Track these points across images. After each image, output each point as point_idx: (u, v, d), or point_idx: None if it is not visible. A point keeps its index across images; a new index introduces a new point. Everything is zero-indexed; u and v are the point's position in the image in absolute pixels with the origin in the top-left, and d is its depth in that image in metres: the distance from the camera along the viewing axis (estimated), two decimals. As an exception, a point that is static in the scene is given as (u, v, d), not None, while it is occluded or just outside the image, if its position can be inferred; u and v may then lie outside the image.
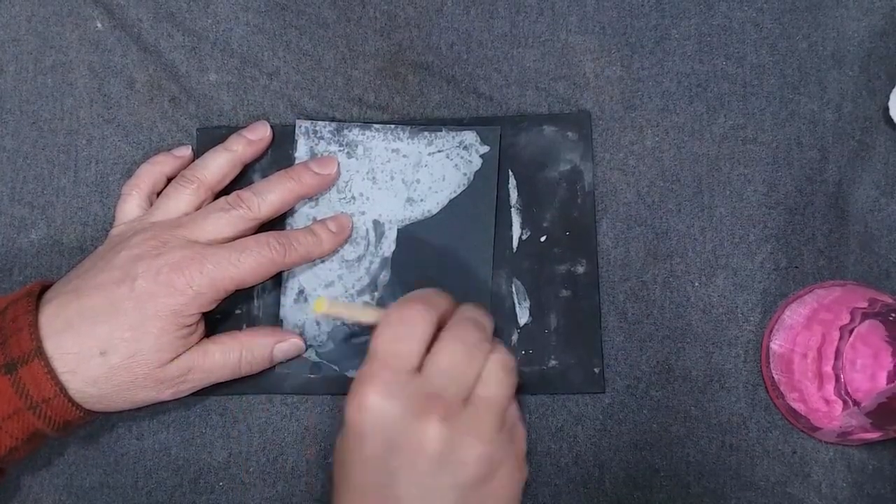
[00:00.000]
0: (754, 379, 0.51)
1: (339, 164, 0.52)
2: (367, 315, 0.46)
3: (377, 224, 0.52)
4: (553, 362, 0.51)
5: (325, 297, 0.46)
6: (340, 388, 0.51)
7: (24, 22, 0.56)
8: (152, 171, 0.52)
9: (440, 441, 0.40)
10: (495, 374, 0.42)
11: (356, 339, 0.51)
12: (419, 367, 0.41)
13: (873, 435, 0.46)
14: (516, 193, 0.52)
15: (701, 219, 0.52)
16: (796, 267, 0.52)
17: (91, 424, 0.52)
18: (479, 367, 0.42)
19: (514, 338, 0.51)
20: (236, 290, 0.47)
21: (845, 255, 0.51)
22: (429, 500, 0.40)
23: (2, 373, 0.44)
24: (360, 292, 0.52)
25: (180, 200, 0.50)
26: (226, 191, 0.51)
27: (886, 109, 0.52)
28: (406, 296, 0.44)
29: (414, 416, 0.40)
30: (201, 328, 0.48)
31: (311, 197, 0.52)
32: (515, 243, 0.52)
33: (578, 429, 0.51)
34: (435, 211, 0.52)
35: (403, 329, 0.42)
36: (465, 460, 0.40)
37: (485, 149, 0.52)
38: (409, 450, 0.40)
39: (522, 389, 0.51)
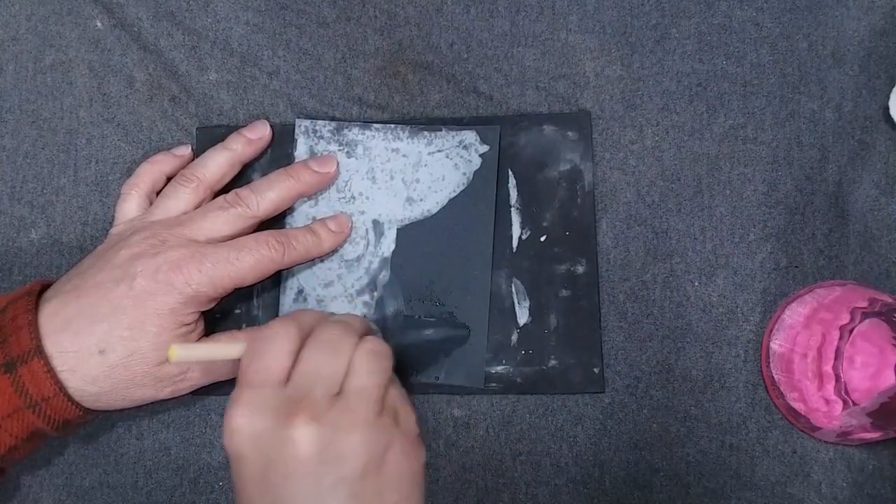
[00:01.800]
0: (754, 379, 0.51)
1: (338, 164, 0.52)
2: (230, 350, 0.45)
3: (377, 223, 0.52)
4: (553, 362, 0.51)
5: (175, 346, 0.44)
6: (340, 387, 0.51)
7: (23, 21, 0.56)
8: (152, 171, 0.52)
9: (311, 441, 0.39)
10: (363, 362, 0.42)
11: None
12: (286, 380, 0.41)
13: (873, 435, 0.46)
14: (516, 193, 0.52)
15: (701, 218, 0.52)
16: (796, 267, 0.51)
17: (91, 424, 0.52)
18: (345, 361, 0.41)
19: (514, 338, 0.51)
20: (235, 289, 0.47)
21: (845, 254, 0.51)
22: (325, 500, 0.39)
23: (1, 372, 0.44)
24: (360, 292, 0.52)
25: (180, 199, 0.50)
26: (225, 190, 0.51)
27: (886, 109, 0.52)
28: (275, 320, 0.44)
29: (281, 425, 0.39)
30: (200, 327, 0.48)
31: (311, 196, 0.52)
32: (515, 243, 0.52)
33: (578, 429, 0.51)
34: (435, 210, 0.52)
35: (263, 345, 0.42)
36: (343, 453, 0.39)
37: (484, 148, 0.52)
38: (283, 459, 0.39)
39: (522, 389, 0.51)
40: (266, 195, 0.49)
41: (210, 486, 0.51)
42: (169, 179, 0.52)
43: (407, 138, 0.53)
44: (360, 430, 0.40)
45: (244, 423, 0.40)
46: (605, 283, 0.52)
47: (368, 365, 0.42)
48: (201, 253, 0.46)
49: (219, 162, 0.51)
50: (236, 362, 0.48)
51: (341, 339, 0.42)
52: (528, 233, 0.52)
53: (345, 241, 0.52)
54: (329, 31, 0.55)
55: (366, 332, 0.45)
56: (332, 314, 0.46)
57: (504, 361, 0.51)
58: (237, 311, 0.52)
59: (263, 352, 0.42)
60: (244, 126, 0.53)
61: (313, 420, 0.39)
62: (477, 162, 0.52)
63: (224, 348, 0.47)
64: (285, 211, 0.52)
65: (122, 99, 0.55)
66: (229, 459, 0.41)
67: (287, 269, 0.51)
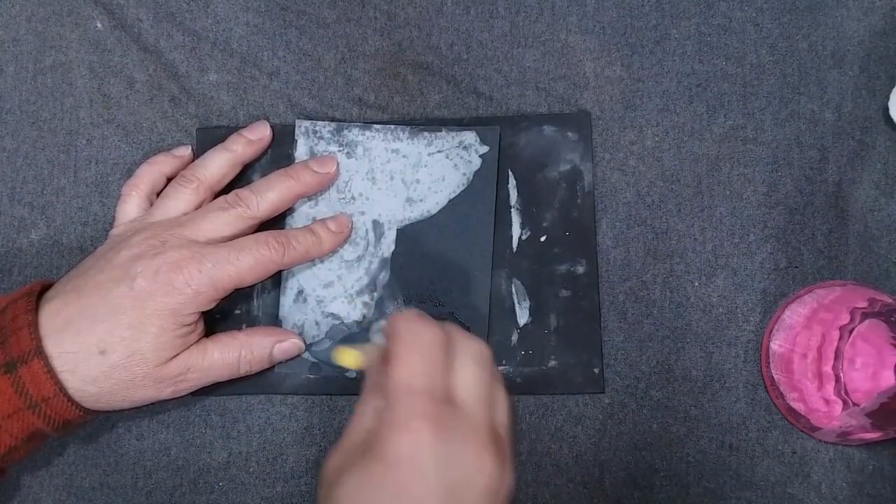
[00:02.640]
0: (754, 379, 0.51)
1: (338, 164, 0.52)
2: (375, 353, 0.43)
3: (377, 224, 0.52)
4: (553, 362, 0.51)
5: (351, 352, 0.43)
6: (340, 388, 0.51)
7: (23, 22, 0.56)
8: (152, 172, 0.52)
9: (496, 476, 0.37)
10: (505, 398, 0.40)
11: (355, 340, 0.51)
12: (449, 395, 0.39)
13: (873, 435, 0.46)
14: (516, 193, 0.52)
15: (701, 219, 0.52)
16: (796, 267, 0.52)
17: (91, 424, 0.52)
18: (496, 388, 0.40)
19: (514, 338, 0.51)
20: (235, 290, 0.47)
21: (845, 255, 0.51)
22: None
23: (1, 372, 0.44)
24: (360, 293, 0.52)
25: (180, 200, 0.50)
26: (225, 190, 0.51)
27: (886, 109, 0.52)
28: (406, 317, 0.40)
29: (473, 454, 0.37)
30: (200, 327, 0.48)
31: (311, 196, 0.52)
32: (515, 243, 0.52)
33: (578, 429, 0.51)
34: (434, 211, 0.52)
35: (429, 352, 0.39)
36: (507, 491, 0.38)
37: (484, 149, 0.52)
38: (470, 488, 0.36)
39: (522, 389, 0.51)
40: (266, 196, 0.49)
41: (210, 487, 0.51)
42: (169, 180, 0.52)
43: (407, 139, 0.53)
44: (510, 474, 0.38)
45: (436, 438, 0.36)
46: (605, 284, 0.52)
47: (505, 403, 0.40)
48: (201, 253, 0.46)
49: (219, 163, 0.51)
50: (234, 367, 0.49)
51: (488, 359, 0.40)
52: (528, 233, 0.52)
53: (345, 242, 0.52)
54: (329, 32, 0.55)
55: None
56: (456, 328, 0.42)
57: (504, 361, 0.51)
58: (237, 312, 0.52)
59: (433, 364, 0.39)
60: (244, 127, 0.53)
61: (498, 454, 0.37)
62: (477, 162, 0.52)
63: (374, 349, 0.43)
64: (285, 212, 0.52)
65: (122, 100, 0.55)
66: (384, 468, 0.36)
67: (287, 269, 0.51)
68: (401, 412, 0.37)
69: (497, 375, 0.40)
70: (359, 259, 0.52)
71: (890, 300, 0.46)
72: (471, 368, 0.39)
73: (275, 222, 0.51)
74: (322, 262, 0.52)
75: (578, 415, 0.51)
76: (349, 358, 0.43)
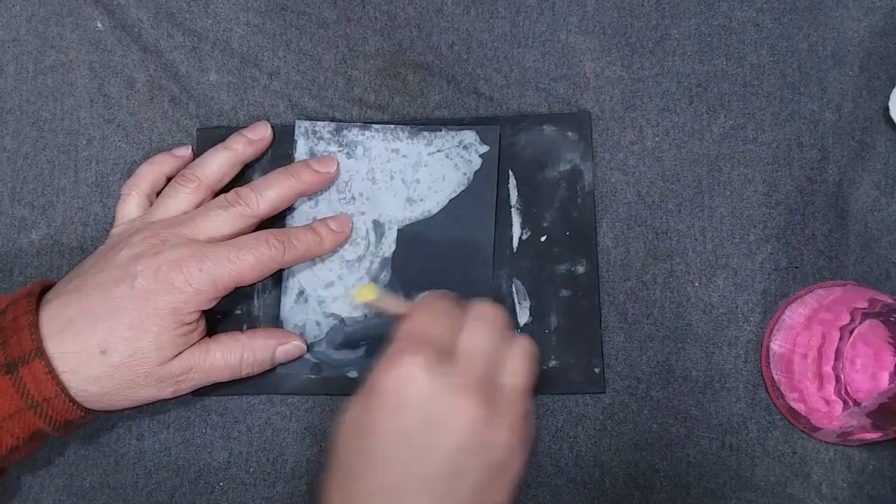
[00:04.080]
0: (754, 379, 0.51)
1: (338, 164, 0.52)
2: (399, 306, 0.47)
3: (377, 224, 0.52)
4: (553, 362, 0.51)
5: (372, 287, 0.48)
6: (340, 388, 0.51)
7: (24, 22, 0.56)
8: (152, 171, 0.52)
9: (476, 421, 0.40)
10: (520, 361, 0.42)
11: (356, 340, 0.51)
12: (453, 351, 0.42)
13: (873, 435, 0.46)
14: (516, 193, 0.52)
15: (701, 219, 0.52)
16: (796, 267, 0.52)
17: (91, 424, 0.52)
18: (504, 348, 0.42)
19: (515, 338, 0.51)
20: (236, 289, 0.47)
21: (845, 255, 0.51)
22: (456, 479, 0.40)
23: (3, 372, 0.44)
24: (361, 292, 0.52)
25: (180, 199, 0.50)
26: (225, 190, 0.51)
27: (886, 109, 0.52)
28: (431, 292, 0.45)
29: (454, 394, 0.40)
30: (202, 326, 0.48)
31: (311, 196, 0.52)
32: (515, 243, 0.52)
33: (578, 429, 0.51)
34: (435, 211, 0.52)
35: (440, 314, 0.43)
36: (495, 443, 0.40)
37: (484, 148, 0.52)
38: (446, 426, 0.39)
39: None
40: (266, 194, 0.49)
41: (210, 487, 0.51)
42: (169, 180, 0.52)
43: (407, 139, 0.53)
44: (511, 429, 0.40)
45: (423, 375, 0.40)
46: (605, 284, 0.52)
47: (524, 365, 0.42)
48: (202, 252, 0.46)
49: (219, 162, 0.51)
50: (236, 368, 0.49)
51: (500, 322, 0.43)
52: (529, 233, 0.52)
53: (345, 242, 0.52)
54: (329, 32, 0.55)
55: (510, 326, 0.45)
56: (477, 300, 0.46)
57: (504, 362, 0.51)
58: (238, 312, 0.52)
59: (439, 319, 0.43)
60: (244, 127, 0.53)
61: (483, 401, 0.40)
62: (477, 162, 0.52)
63: (397, 303, 0.48)
64: (285, 211, 0.52)
65: (122, 100, 0.55)
66: (374, 404, 0.40)
67: (288, 268, 0.51)
68: (396, 351, 0.41)
69: (512, 338, 0.43)
70: (359, 259, 0.52)
71: (890, 300, 0.46)
72: (478, 325, 0.42)
73: (275, 222, 0.51)
74: (323, 262, 0.52)
75: (578, 415, 0.51)
76: (366, 292, 0.47)
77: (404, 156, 0.53)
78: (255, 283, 0.49)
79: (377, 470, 0.40)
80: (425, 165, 0.53)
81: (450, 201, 0.52)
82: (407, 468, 0.40)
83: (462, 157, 0.52)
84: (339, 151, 0.53)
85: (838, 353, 0.46)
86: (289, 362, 0.51)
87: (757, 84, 0.53)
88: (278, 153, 0.54)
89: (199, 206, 0.50)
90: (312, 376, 0.51)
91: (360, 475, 0.40)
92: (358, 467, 0.40)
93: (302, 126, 0.53)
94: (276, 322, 0.52)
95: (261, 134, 0.53)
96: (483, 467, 0.40)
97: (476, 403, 0.40)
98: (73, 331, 0.45)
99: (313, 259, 0.51)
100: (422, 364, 0.40)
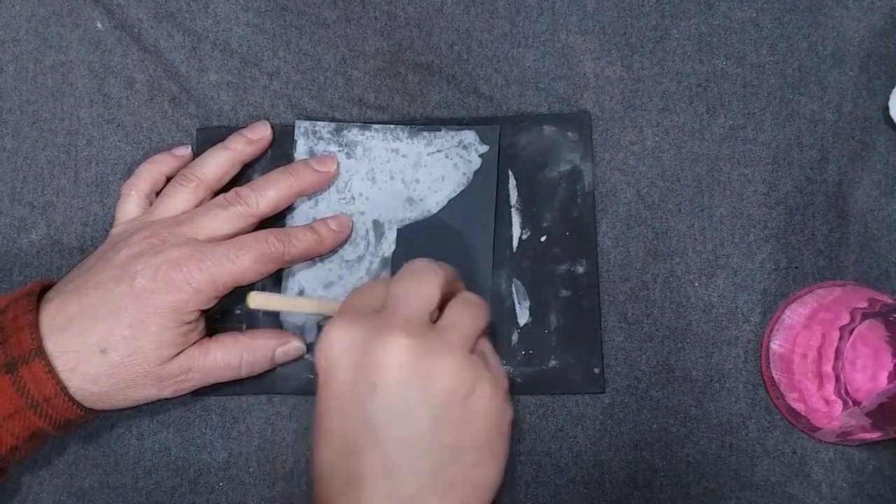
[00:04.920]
0: (754, 379, 0.51)
1: (338, 164, 0.52)
2: (306, 305, 0.48)
3: (377, 224, 0.52)
4: (553, 362, 0.51)
5: (253, 293, 0.48)
6: (340, 387, 0.51)
7: (24, 22, 0.56)
8: (152, 171, 0.52)
9: (402, 353, 0.39)
10: (459, 306, 0.42)
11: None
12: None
13: (873, 435, 0.46)
14: (516, 193, 0.52)
15: (701, 219, 0.52)
16: (796, 267, 0.52)
17: (91, 424, 0.52)
18: (436, 291, 0.41)
19: (514, 338, 0.51)
20: (236, 289, 0.47)
21: (845, 255, 0.51)
22: (404, 422, 0.39)
23: (2, 372, 0.44)
24: (360, 292, 0.52)
25: (179, 199, 0.50)
26: (225, 189, 0.51)
27: (886, 109, 0.52)
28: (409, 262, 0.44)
29: (376, 335, 0.39)
30: (201, 326, 0.48)
31: (311, 196, 0.52)
32: (515, 243, 0.52)
33: (578, 429, 0.51)
34: (434, 211, 0.52)
35: (370, 290, 0.43)
36: (431, 373, 0.39)
37: (484, 148, 0.52)
38: (375, 368, 0.39)
39: (522, 389, 0.51)
40: (266, 193, 0.49)
41: (210, 487, 0.51)
42: (169, 180, 0.52)
43: (406, 139, 0.53)
44: (451, 356, 0.39)
45: (339, 334, 0.40)
46: (605, 284, 0.52)
47: (464, 308, 0.42)
48: (201, 251, 0.46)
49: (219, 162, 0.51)
50: (235, 369, 0.49)
51: (430, 269, 0.42)
52: (529, 233, 0.52)
53: (345, 242, 0.52)
54: (329, 32, 0.55)
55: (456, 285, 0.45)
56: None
57: (504, 361, 0.51)
58: (237, 312, 0.52)
59: (364, 288, 0.44)
60: (244, 127, 0.53)
61: (407, 335, 0.39)
62: (477, 162, 0.52)
63: (308, 304, 0.49)
64: (285, 211, 0.52)
65: (122, 100, 0.55)
66: (318, 377, 0.41)
67: (287, 268, 0.51)
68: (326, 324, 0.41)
69: (455, 292, 0.43)
70: (359, 259, 0.52)
71: (890, 300, 0.46)
72: (403, 276, 0.42)
73: (275, 222, 0.51)
74: (323, 262, 0.52)
75: (578, 415, 0.51)
76: (253, 299, 0.48)
77: (404, 156, 0.53)
78: (254, 283, 0.49)
79: (331, 445, 0.40)
80: (425, 165, 0.52)
81: (449, 201, 0.52)
82: (356, 428, 0.39)
83: (462, 156, 0.52)
84: (339, 151, 0.53)
85: (838, 353, 0.46)
86: (288, 363, 0.51)
87: (757, 84, 0.53)
88: (278, 153, 0.54)
89: (198, 205, 0.50)
90: (312, 376, 0.51)
91: (322, 453, 0.40)
92: (320, 451, 0.40)
93: (302, 126, 0.53)
94: (275, 322, 0.52)
95: (260, 134, 0.53)
96: (430, 401, 0.39)
97: (400, 336, 0.39)
98: (72, 330, 0.45)
99: (313, 259, 0.51)
100: (339, 324, 0.40)
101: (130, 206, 0.51)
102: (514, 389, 0.51)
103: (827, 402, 0.46)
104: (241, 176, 0.53)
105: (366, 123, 0.53)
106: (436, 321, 0.42)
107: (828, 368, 0.46)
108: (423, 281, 0.42)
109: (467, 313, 0.42)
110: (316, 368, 0.41)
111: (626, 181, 0.53)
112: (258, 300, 0.48)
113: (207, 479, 0.52)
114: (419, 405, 0.39)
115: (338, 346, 0.40)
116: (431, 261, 0.43)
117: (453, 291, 0.44)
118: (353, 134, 0.53)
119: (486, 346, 0.43)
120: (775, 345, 0.49)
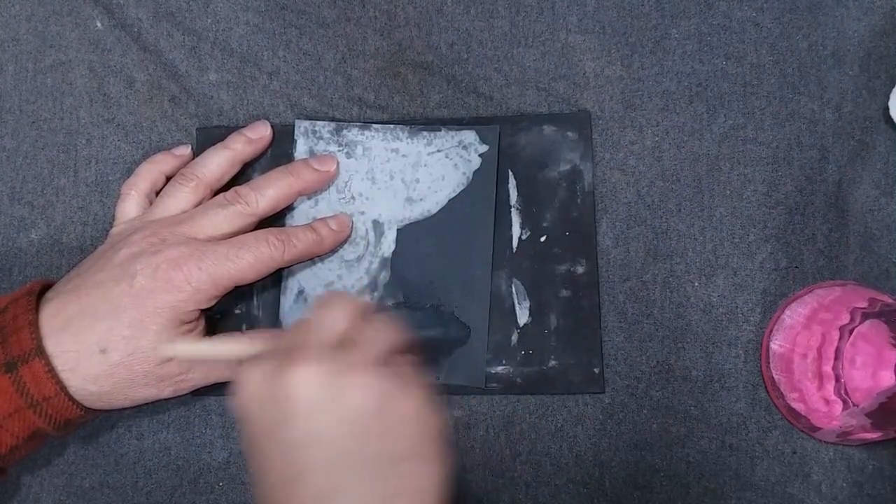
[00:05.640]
0: (754, 379, 0.51)
1: (338, 163, 0.52)
2: (233, 349, 0.47)
3: (377, 224, 0.52)
4: (553, 362, 0.51)
5: (175, 343, 0.46)
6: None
7: (23, 21, 0.56)
8: (151, 170, 0.52)
9: (309, 378, 0.38)
10: (367, 324, 0.41)
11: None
12: None
13: (873, 435, 0.46)
14: (516, 193, 0.52)
15: (701, 219, 0.52)
16: (796, 267, 0.52)
17: (91, 424, 0.52)
18: (342, 315, 0.41)
19: (514, 338, 0.51)
20: (236, 288, 0.47)
21: (845, 255, 0.51)
22: (326, 446, 0.38)
23: (2, 371, 0.44)
24: (360, 292, 0.52)
25: (179, 198, 0.50)
26: (225, 189, 0.51)
27: (886, 109, 0.52)
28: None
29: (282, 368, 0.39)
30: (201, 325, 0.48)
31: (310, 196, 0.52)
32: (515, 243, 0.52)
33: (578, 429, 0.51)
34: (434, 211, 0.52)
35: (294, 327, 0.43)
36: (343, 392, 0.38)
37: (484, 148, 0.52)
38: (285, 401, 0.38)
39: (522, 389, 0.51)
40: (266, 192, 0.49)
41: (210, 487, 0.51)
42: (168, 179, 0.52)
43: (406, 138, 0.53)
44: (358, 373, 0.39)
45: (247, 375, 0.40)
46: (605, 284, 0.52)
47: (370, 328, 0.41)
48: (201, 251, 0.46)
49: (218, 161, 0.51)
50: (235, 369, 0.48)
51: (338, 297, 0.42)
52: (528, 233, 0.52)
53: (345, 242, 0.52)
54: (329, 32, 0.55)
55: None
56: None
57: (504, 361, 0.51)
58: (237, 312, 0.52)
59: (293, 326, 0.43)
60: (244, 126, 0.53)
61: (314, 362, 0.39)
62: (476, 162, 0.52)
63: (226, 347, 0.47)
64: (285, 211, 0.52)
65: (122, 99, 0.55)
66: (241, 429, 0.40)
67: (287, 268, 0.51)
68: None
69: (367, 319, 0.42)
70: (359, 259, 0.52)
71: (890, 300, 0.46)
72: (318, 311, 0.41)
73: (274, 221, 0.51)
74: (322, 262, 0.52)
75: (578, 415, 0.51)
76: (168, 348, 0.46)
77: (404, 155, 0.53)
78: (254, 283, 0.49)
79: (261, 480, 0.39)
80: (425, 165, 0.52)
81: (449, 201, 0.52)
82: (281, 461, 0.39)
83: (462, 156, 0.52)
84: (339, 151, 0.53)
85: (838, 353, 0.46)
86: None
87: (757, 84, 0.53)
88: (278, 152, 0.54)
89: (198, 205, 0.50)
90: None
91: (259, 488, 0.40)
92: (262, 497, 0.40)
93: (301, 125, 0.53)
94: (275, 322, 0.52)
95: (260, 133, 0.53)
96: (347, 419, 0.38)
97: (304, 362, 0.38)
98: (72, 329, 0.45)
99: (313, 258, 0.51)
100: (247, 365, 0.40)
101: (130, 205, 0.51)
102: (515, 390, 0.51)
103: (827, 402, 0.46)
104: (241, 175, 0.53)
105: (366, 123, 0.53)
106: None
107: (828, 368, 0.46)
108: (330, 308, 0.41)
109: (374, 331, 0.41)
110: (237, 419, 0.40)
111: (626, 181, 0.53)
112: (179, 349, 0.46)
113: (207, 479, 0.52)
114: (336, 426, 0.38)
115: (248, 387, 0.40)
116: (343, 292, 0.43)
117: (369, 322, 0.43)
118: (353, 134, 0.53)
119: (403, 361, 0.42)
120: (775, 345, 0.49)
